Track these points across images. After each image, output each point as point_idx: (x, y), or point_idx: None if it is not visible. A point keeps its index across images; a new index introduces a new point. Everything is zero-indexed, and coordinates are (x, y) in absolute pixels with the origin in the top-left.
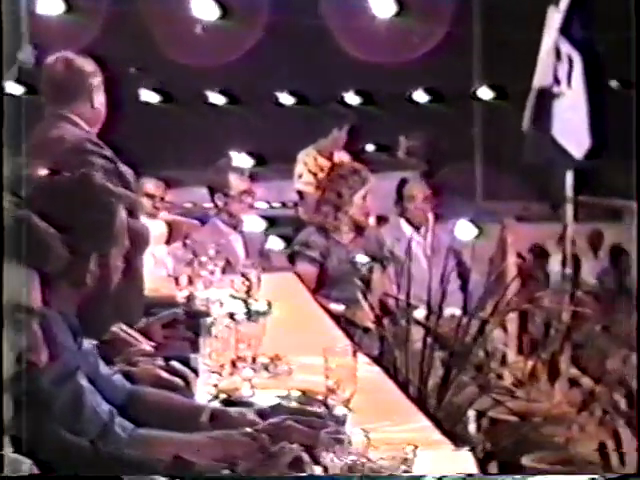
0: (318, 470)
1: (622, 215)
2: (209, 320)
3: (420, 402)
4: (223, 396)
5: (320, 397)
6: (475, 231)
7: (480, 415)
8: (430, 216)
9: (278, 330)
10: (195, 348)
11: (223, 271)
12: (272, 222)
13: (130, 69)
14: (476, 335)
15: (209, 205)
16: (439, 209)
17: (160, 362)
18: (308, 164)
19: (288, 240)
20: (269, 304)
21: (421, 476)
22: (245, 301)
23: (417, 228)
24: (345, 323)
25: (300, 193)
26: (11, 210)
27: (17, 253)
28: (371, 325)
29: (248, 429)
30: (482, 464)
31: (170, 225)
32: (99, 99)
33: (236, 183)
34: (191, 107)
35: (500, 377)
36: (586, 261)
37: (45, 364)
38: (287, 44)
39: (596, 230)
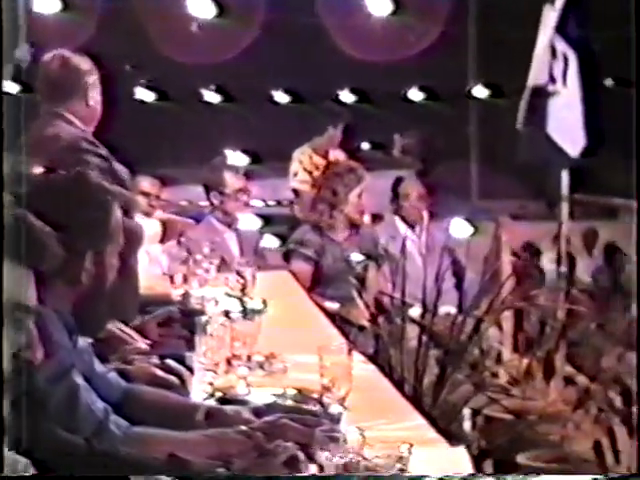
0: (313, 468)
1: (617, 213)
2: (204, 318)
3: (415, 400)
4: (218, 394)
5: (315, 395)
6: (470, 229)
7: (475, 413)
8: (425, 214)
9: (273, 328)
10: (190, 346)
11: (218, 269)
12: (267, 220)
13: (126, 67)
14: (471, 333)
15: (204, 203)
16: (434, 207)
17: (155, 360)
18: (303, 162)
19: (283, 238)
20: (264, 302)
21: (422, 476)
22: (240, 299)
23: (412, 226)
24: (340, 321)
25: (295, 191)
26: (8, 208)
27: (16, 252)
28: (366, 323)
29: (243, 427)
30: (477, 462)
31: (164, 224)
32: (95, 97)
33: (231, 181)
34: (186, 105)
35: (495, 375)
36: (581, 259)
37: (40, 362)
38: (283, 42)
39: (591, 228)
